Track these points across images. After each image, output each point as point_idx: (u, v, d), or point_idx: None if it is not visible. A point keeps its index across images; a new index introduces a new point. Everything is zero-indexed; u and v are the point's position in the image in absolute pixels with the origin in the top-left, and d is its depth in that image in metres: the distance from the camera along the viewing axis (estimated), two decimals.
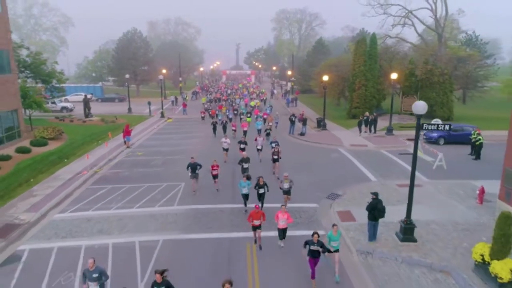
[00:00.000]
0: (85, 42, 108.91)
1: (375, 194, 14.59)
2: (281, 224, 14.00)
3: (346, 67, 46.58)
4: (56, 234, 15.54)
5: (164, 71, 62.35)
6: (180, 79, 77.18)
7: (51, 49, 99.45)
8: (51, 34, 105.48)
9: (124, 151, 29.34)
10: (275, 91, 77.08)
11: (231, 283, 9.47)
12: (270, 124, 34.43)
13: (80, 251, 14.09)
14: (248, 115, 37.65)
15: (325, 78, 36.99)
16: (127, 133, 30.36)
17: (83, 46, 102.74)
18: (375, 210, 14.25)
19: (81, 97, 60.11)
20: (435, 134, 30.83)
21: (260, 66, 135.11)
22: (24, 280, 12.44)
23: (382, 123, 37.23)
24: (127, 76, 53.45)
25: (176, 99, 60.78)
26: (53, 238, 15.20)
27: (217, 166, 19.85)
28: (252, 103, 50.34)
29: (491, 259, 11.46)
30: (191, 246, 14.50)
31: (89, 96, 49.90)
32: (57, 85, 41.96)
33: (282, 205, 14.45)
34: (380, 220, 14.82)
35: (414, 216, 14.73)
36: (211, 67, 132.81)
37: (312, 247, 11.88)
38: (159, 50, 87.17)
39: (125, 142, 30.51)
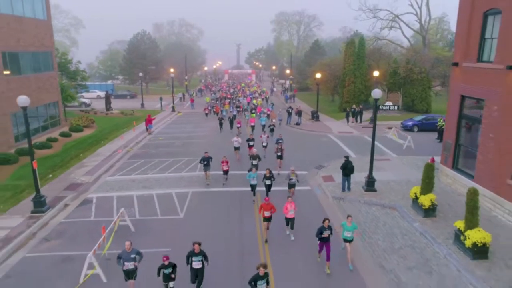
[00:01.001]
0: (91, 42, 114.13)
1: (346, 157, 20.09)
2: (290, 214, 15.08)
3: (338, 66, 52.01)
4: (112, 188, 21.00)
5: (172, 70, 67.89)
6: (186, 77, 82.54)
7: (63, 49, 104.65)
8: (63, 36, 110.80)
9: (147, 137, 34.76)
10: (274, 89, 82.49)
11: (265, 266, 10.50)
12: (274, 120, 36.80)
13: (133, 197, 19.50)
14: (253, 111, 41.11)
15: (318, 75, 42.43)
16: (149, 121, 35.80)
17: (89, 46, 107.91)
18: (346, 168, 19.69)
19: (95, 94, 65.89)
20: (410, 123, 36.37)
21: (260, 65, 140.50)
22: (99, 211, 17.90)
23: (368, 115, 42.62)
24: (140, 74, 58.86)
25: (184, 95, 66.22)
26: (111, 191, 20.65)
27: (227, 161, 20.98)
28: (255, 101, 55.15)
29: (420, 195, 16.92)
30: (212, 196, 19.88)
31: (102, 94, 55.41)
32: (82, 83, 47.33)
33: (288, 197, 15.67)
34: (352, 180, 20.29)
35: (379, 178, 20.26)
36: (214, 66, 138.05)
37: (325, 233, 12.95)
38: (166, 51, 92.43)
39: (147, 129, 35.95)
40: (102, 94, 65.44)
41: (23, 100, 16.23)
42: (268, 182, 18.29)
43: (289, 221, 15.25)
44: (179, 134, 36.05)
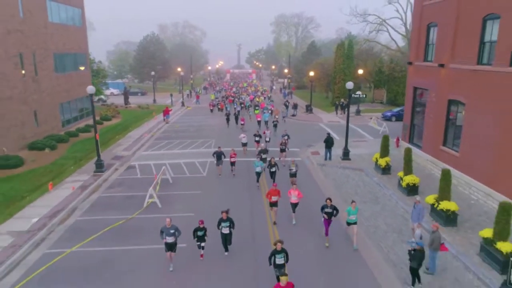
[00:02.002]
0: (97, 42, 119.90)
1: (328, 133, 26.35)
2: (293, 199, 16.48)
3: (330, 65, 58.22)
4: (147, 159, 27.22)
5: (179, 69, 74.16)
6: (191, 76, 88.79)
7: None
8: None
9: (165, 125, 40.97)
10: (274, 87, 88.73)
11: (282, 242, 11.62)
12: (277, 117, 38.43)
13: (166, 164, 25.59)
14: (256, 107, 44.22)
15: (311, 73, 48.63)
16: (166, 112, 42.06)
17: (95, 46, 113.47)
18: (327, 142, 25.91)
19: (108, 91, 72.05)
20: (389, 114, 42.64)
21: (260, 65, 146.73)
22: (142, 172, 24.10)
23: (355, 108, 48.84)
24: (152, 73, 65.03)
25: (191, 92, 72.45)
26: (147, 160, 26.85)
27: (235, 154, 22.97)
28: (257, 99, 60.49)
29: (379, 159, 23.14)
30: (227, 164, 26.06)
31: (115, 91, 61.57)
32: (103, 80, 53.53)
33: (293, 185, 17.26)
34: (333, 153, 26.46)
35: (355, 152, 26.53)
36: (217, 66, 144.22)
37: (326, 210, 14.62)
38: (172, 51, 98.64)
39: (164, 119, 42.17)
40: (115, 91, 71.78)
41: (90, 88, 22.49)
42: (272, 169, 20.42)
43: (293, 206, 16.70)
44: (192, 123, 42.27)
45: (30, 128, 28.82)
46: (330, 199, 14.95)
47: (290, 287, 9.93)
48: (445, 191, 16.14)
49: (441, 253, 13.18)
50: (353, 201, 15.00)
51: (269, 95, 68.17)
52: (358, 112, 45.86)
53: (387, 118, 42.31)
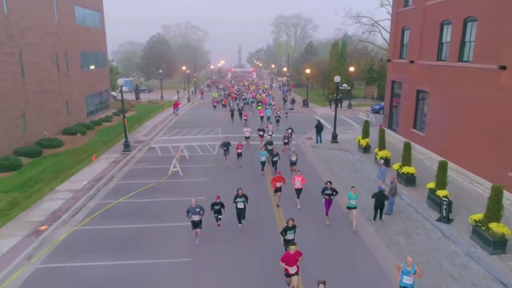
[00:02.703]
0: None
1: (318, 120, 30.90)
2: (297, 185, 17.71)
3: (326, 64, 62.79)
4: (165, 142, 31.77)
5: (184, 67, 78.71)
6: (195, 74, 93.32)
7: None
8: None
9: (175, 117, 45.53)
10: (273, 85, 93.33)
11: (293, 220, 12.62)
12: (279, 113, 40.07)
13: (181, 146, 30.16)
14: (259, 103, 46.91)
15: (308, 71, 53.18)
16: (176, 106, 46.66)
17: None
18: (318, 127, 30.48)
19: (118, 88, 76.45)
20: (377, 107, 47.22)
21: (260, 65, 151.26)
22: (162, 152, 28.64)
23: (347, 102, 53.42)
24: (160, 71, 69.58)
25: (195, 89, 77.03)
26: (165, 143, 31.39)
27: (242, 145, 24.47)
28: (259, 96, 64.42)
29: (361, 140, 27.70)
30: (233, 156, 30.55)
31: (135, 86, 66.08)
32: (116, 78, 58.06)
33: (298, 171, 18.56)
34: (324, 138, 30.99)
35: (343, 137, 31.08)
36: (219, 65, 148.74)
37: (327, 192, 15.94)
38: (176, 51, 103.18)
39: (174, 111, 46.73)
40: (124, 88, 76.16)
41: (121, 80, 27.04)
42: (274, 159, 22.17)
43: (297, 192, 17.92)
44: (199, 115, 46.85)
45: (63, 117, 33.38)
46: (330, 182, 16.31)
47: (298, 255, 11.16)
48: (406, 159, 20.71)
49: (398, 201, 17.75)
50: (352, 187, 16.03)
51: (270, 93, 72.26)
52: (350, 105, 50.47)
53: (375, 111, 46.84)
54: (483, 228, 13.97)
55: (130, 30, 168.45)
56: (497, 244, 13.49)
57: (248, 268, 13.12)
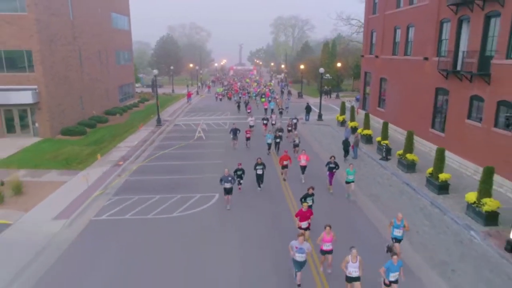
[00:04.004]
0: None
1: (307, 103, 39.34)
2: (302, 163, 20.04)
3: (318, 61, 71.22)
4: (187, 121, 40.11)
5: (191, 65, 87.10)
6: (201, 71, 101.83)
7: None
8: None
9: (189, 106, 53.93)
10: (273, 82, 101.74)
11: (313, 188, 14.44)
12: (281, 107, 44.07)
13: (201, 121, 38.47)
14: (262, 96, 51.43)
15: (302, 67, 61.60)
16: (189, 96, 55.15)
17: None
18: (307, 108, 38.92)
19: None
20: (359, 97, 55.65)
21: (260, 63, 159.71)
22: (186, 127, 37.02)
23: (336, 93, 61.89)
24: (171, 67, 77.98)
25: (202, 84, 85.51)
26: (187, 122, 39.73)
27: (250, 131, 28.19)
28: (264, 90, 71.74)
29: (340, 117, 36.09)
30: (243, 123, 38.93)
31: (152, 79, 74.52)
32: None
33: (303, 150, 20.95)
34: (312, 118, 39.39)
35: (327, 117, 39.50)
36: (221, 63, 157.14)
37: (330, 165, 18.45)
38: (183, 50, 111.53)
39: (188, 101, 55.16)
40: (137, 84, 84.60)
41: (155, 71, 35.42)
42: (277, 140, 25.95)
43: (302, 169, 20.26)
44: (209, 104, 55.25)
45: (105, 101, 41.81)
46: (334, 157, 18.84)
47: (310, 214, 13.20)
48: (366, 125, 29.17)
49: (359, 151, 26.12)
50: (350, 164, 18.31)
51: (271, 89, 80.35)
52: (337, 96, 58.95)
53: (358, 100, 55.25)
54: (402, 158, 22.41)
55: (134, 30, 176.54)
56: (410, 167, 21.89)
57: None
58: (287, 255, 11.87)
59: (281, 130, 27.76)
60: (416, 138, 26.89)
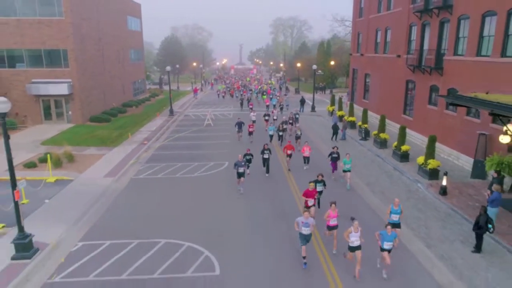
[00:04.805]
0: None
1: (302, 96, 44.48)
2: (306, 154, 21.78)
3: (314, 60, 76.34)
4: (195, 112, 45.22)
5: (195, 64, 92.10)
6: (203, 70, 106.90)
7: None
8: None
9: (195, 100, 59.04)
10: (273, 80, 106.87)
11: (322, 175, 15.67)
12: (282, 103, 45.89)
13: (209, 111, 43.52)
14: (264, 93, 54.18)
15: (298, 65, 66.76)
16: (195, 91, 60.31)
17: None
18: (301, 101, 44.07)
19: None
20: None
21: (260, 62, 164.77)
22: (195, 117, 42.18)
23: (333, 90, 67.01)
24: (177, 66, 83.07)
25: (205, 82, 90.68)
26: (195, 113, 44.85)
27: (253, 125, 29.20)
28: (265, 87, 76.64)
29: (330, 108, 41.23)
30: (245, 115, 44.01)
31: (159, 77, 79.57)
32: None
33: (306, 142, 22.74)
34: (306, 109, 44.51)
35: (320, 109, 44.55)
36: (223, 62, 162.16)
37: (333, 155, 20.02)
38: (186, 50, 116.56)
39: (194, 96, 60.31)
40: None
41: (168, 67, 40.54)
42: (280, 133, 28.09)
43: (305, 159, 21.96)
44: (213, 99, 60.32)
45: (122, 95, 46.92)
46: (336, 147, 20.34)
47: (315, 193, 14.61)
48: (351, 113, 34.28)
49: (349, 135, 31.23)
50: (347, 153, 18.95)
51: (271, 86, 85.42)
52: (331, 92, 64.06)
53: (349, 94, 60.37)
54: (376, 137, 27.53)
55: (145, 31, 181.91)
56: (382, 144, 26.99)
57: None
58: (285, 203, 16.93)
59: (286, 122, 29.86)
60: (391, 123, 32.12)
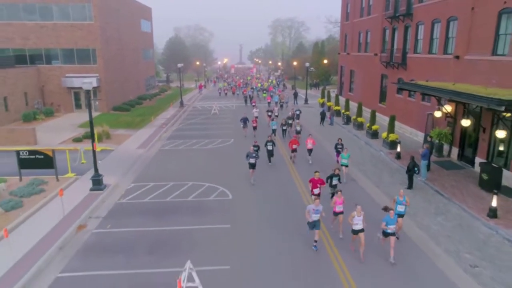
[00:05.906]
0: None
1: (295, 90, 50.45)
2: (309, 146, 22.74)
3: (309, 60, 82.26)
4: (202, 105, 51.19)
5: (198, 63, 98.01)
6: (206, 69, 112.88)
7: None
8: None
9: (201, 95, 64.96)
10: (271, 78, 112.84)
11: (339, 169, 16.34)
12: (283, 101, 48.47)
13: (214, 103, 49.44)
14: (264, 91, 56.60)
15: (295, 63, 72.75)
16: (200, 87, 66.26)
17: None
18: (295, 95, 50.03)
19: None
20: None
21: (259, 62, 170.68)
22: (202, 109, 48.14)
23: (329, 87, 72.98)
24: (182, 65, 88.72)
25: (208, 80, 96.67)
26: (202, 105, 50.80)
27: (256, 120, 30.71)
28: (266, 84, 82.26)
29: (320, 100, 47.18)
30: (250, 108, 49.89)
31: (166, 75, 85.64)
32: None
33: (309, 134, 23.72)
34: (300, 102, 50.45)
35: (313, 102, 50.52)
36: (224, 62, 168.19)
37: (338, 147, 21.64)
38: (189, 50, 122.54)
39: (199, 91, 66.25)
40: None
41: (180, 64, 46.51)
42: (284, 127, 28.93)
43: (309, 151, 22.94)
44: (217, 95, 66.27)
45: (136, 89, 52.87)
46: (341, 139, 21.98)
47: (321, 182, 14.99)
48: (336, 103, 40.26)
49: (335, 122, 37.13)
50: (345, 148, 19.76)
51: (272, 84, 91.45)
52: (324, 88, 70.02)
53: None
54: (355, 121, 33.47)
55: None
56: (359, 126, 32.93)
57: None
58: (279, 158, 22.90)
59: (291, 118, 31.25)
60: (370, 110, 38.02)
